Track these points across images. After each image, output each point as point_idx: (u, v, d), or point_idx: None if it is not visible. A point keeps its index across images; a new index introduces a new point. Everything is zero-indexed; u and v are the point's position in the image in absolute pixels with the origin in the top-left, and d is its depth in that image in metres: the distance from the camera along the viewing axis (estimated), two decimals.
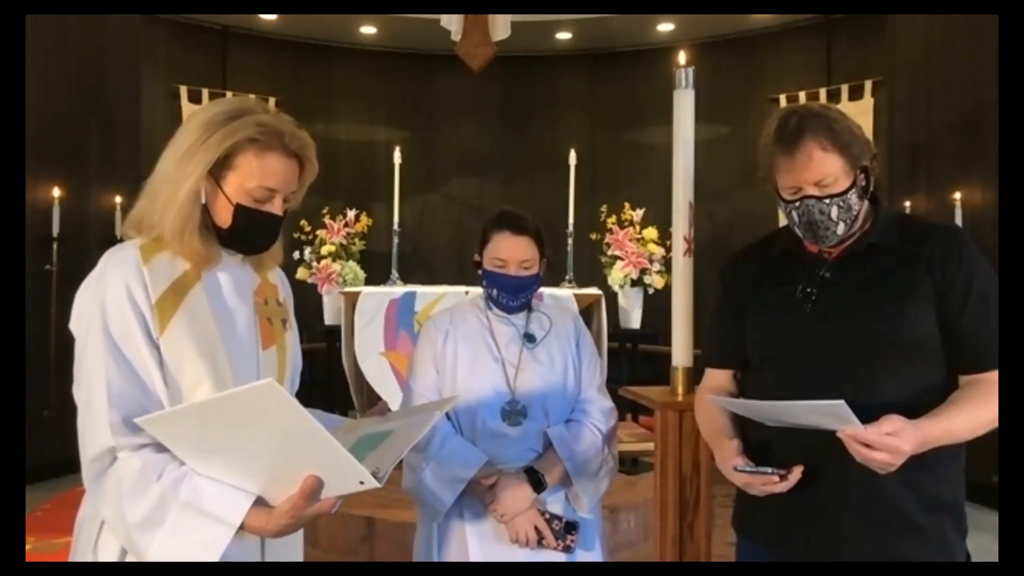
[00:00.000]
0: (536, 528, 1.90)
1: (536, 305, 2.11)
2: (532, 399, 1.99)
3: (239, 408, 1.13)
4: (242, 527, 1.24)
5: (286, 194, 1.42)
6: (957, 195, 5.06)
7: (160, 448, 1.26)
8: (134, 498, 1.24)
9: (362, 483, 1.16)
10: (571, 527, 1.92)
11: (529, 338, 2.04)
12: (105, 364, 1.28)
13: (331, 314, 5.98)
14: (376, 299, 4.40)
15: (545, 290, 2.10)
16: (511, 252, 1.98)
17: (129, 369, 1.29)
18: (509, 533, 1.90)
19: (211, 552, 1.23)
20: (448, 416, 2.00)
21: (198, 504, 1.23)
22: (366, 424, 1.49)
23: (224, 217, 1.39)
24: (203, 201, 1.38)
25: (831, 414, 1.36)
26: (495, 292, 2.02)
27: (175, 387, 1.32)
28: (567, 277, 5.37)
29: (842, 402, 1.33)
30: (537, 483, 1.92)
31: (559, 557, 1.92)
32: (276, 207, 1.41)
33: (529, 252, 1.99)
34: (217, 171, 1.37)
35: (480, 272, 2.05)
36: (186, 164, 1.36)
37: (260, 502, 1.25)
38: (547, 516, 1.92)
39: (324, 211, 6.47)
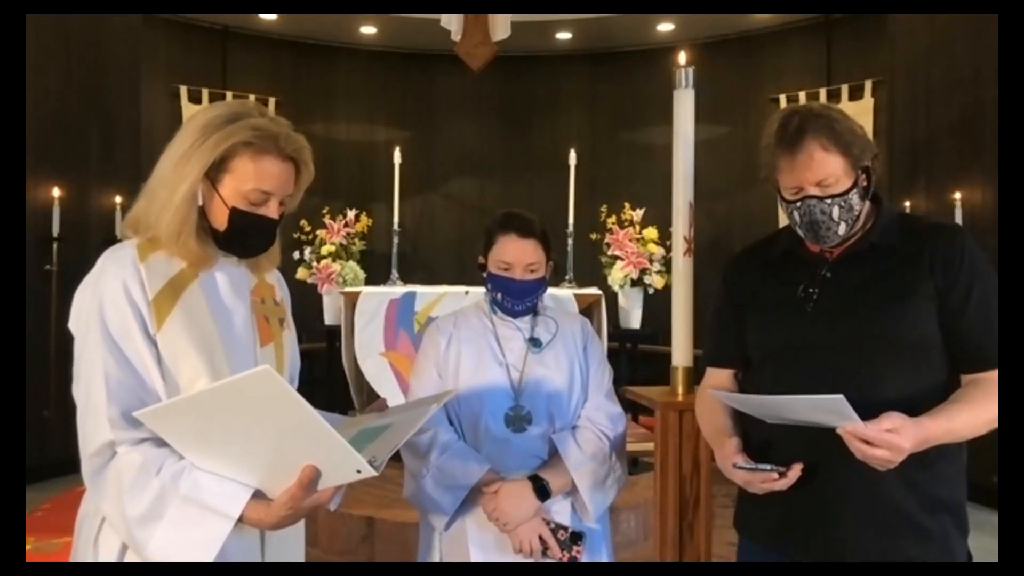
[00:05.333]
0: (540, 538, 1.84)
1: (542, 309, 2.05)
2: (537, 404, 1.94)
3: (236, 397, 1.14)
4: (241, 520, 1.25)
5: (282, 197, 1.43)
6: (957, 195, 5.06)
7: (160, 443, 1.27)
8: (134, 492, 1.25)
9: (359, 471, 1.17)
10: (577, 537, 1.86)
11: (534, 342, 1.98)
12: (104, 360, 1.29)
13: (331, 314, 5.97)
14: (376, 299, 4.40)
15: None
16: (517, 255, 1.92)
17: (127, 365, 1.30)
18: (512, 543, 1.85)
19: (211, 545, 1.24)
20: (451, 421, 1.96)
21: (197, 497, 1.24)
22: (364, 420, 1.49)
23: (220, 220, 1.40)
24: (200, 203, 1.38)
25: (830, 410, 1.36)
26: (500, 296, 1.96)
27: (172, 383, 1.33)
28: (567, 277, 5.37)
29: (841, 397, 1.33)
30: (541, 491, 1.86)
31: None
32: (272, 210, 1.42)
33: (535, 255, 1.94)
34: (213, 174, 1.38)
35: (484, 275, 2.00)
36: (183, 167, 1.37)
37: (259, 495, 1.26)
38: (552, 525, 1.86)
39: (324, 211, 6.47)
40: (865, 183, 1.54)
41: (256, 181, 1.38)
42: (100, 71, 5.66)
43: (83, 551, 1.36)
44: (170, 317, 1.34)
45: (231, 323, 1.42)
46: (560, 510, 1.92)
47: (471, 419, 1.95)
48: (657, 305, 5.77)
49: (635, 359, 6.26)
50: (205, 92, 7.05)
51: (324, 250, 6.22)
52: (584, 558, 1.88)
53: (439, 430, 1.92)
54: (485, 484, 1.87)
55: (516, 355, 1.98)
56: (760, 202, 6.80)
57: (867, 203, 1.57)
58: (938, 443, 1.42)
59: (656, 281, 5.99)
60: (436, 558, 1.95)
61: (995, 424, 1.45)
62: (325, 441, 1.15)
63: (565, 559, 1.85)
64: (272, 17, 7.10)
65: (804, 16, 6.88)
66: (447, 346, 2.00)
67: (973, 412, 1.43)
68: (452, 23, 5.49)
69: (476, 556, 1.89)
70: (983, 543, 1.91)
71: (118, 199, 5.67)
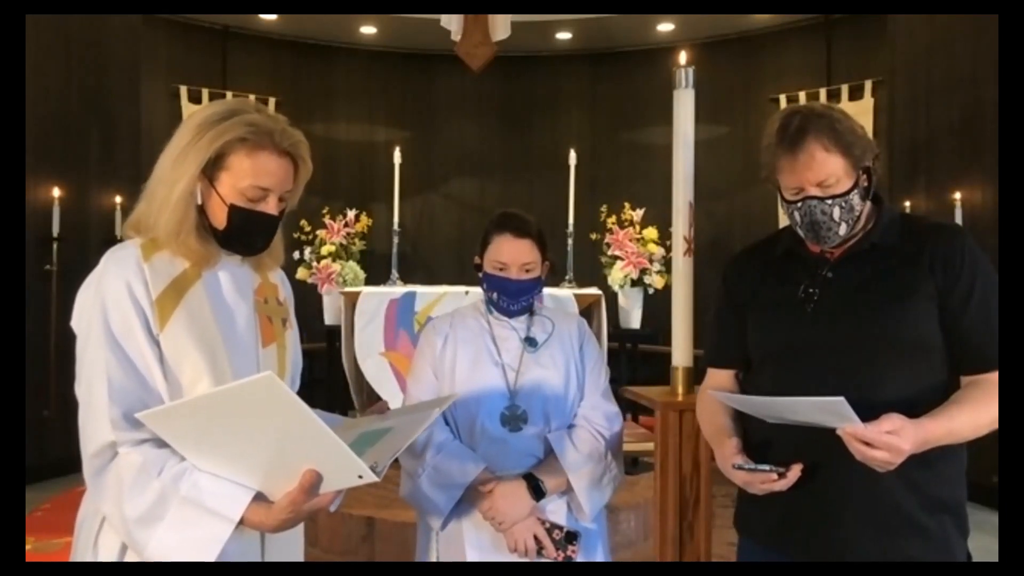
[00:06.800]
0: (536, 537, 1.85)
1: (538, 308, 2.05)
2: (533, 404, 1.94)
3: (238, 402, 1.14)
4: (242, 522, 1.25)
5: (281, 193, 1.43)
6: (957, 195, 5.06)
7: (161, 444, 1.27)
8: (134, 493, 1.25)
9: (360, 477, 1.17)
10: (572, 537, 1.86)
11: (530, 342, 1.99)
12: (106, 360, 1.29)
13: (331, 314, 5.97)
14: (376, 299, 4.40)
15: (545, 291, 2.06)
16: (512, 255, 1.93)
17: (130, 365, 1.30)
18: (507, 542, 1.85)
19: (211, 547, 1.24)
20: (447, 421, 1.96)
21: (198, 499, 1.24)
22: (365, 422, 1.49)
23: (219, 218, 1.40)
24: (199, 202, 1.39)
25: (831, 411, 1.36)
26: (496, 296, 1.97)
27: (175, 383, 1.33)
28: (567, 277, 5.37)
29: (842, 399, 1.33)
30: (536, 490, 1.87)
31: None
32: (271, 207, 1.41)
33: (531, 255, 1.94)
34: (210, 172, 1.38)
35: (480, 275, 2.00)
36: (179, 165, 1.37)
37: (260, 497, 1.26)
38: (547, 525, 1.86)
39: (324, 211, 6.47)
40: (866, 183, 1.54)
41: (253, 177, 1.38)
42: (100, 71, 5.66)
43: (83, 551, 1.36)
44: (173, 317, 1.34)
45: (234, 323, 1.42)
46: (556, 509, 1.92)
47: (467, 419, 1.95)
48: (657, 305, 5.77)
49: (635, 359, 6.26)
50: (205, 92, 7.05)
51: (324, 250, 6.22)
52: (580, 558, 1.88)
53: (435, 429, 1.92)
54: (481, 483, 1.87)
55: (512, 355, 1.98)
56: (760, 202, 6.80)
57: (868, 203, 1.57)
58: (938, 444, 1.42)
59: (656, 281, 5.99)
60: (433, 558, 1.96)
61: (996, 425, 1.44)
62: (327, 446, 1.15)
63: (560, 559, 1.85)
64: (272, 17, 7.10)
65: (804, 16, 6.88)
66: (443, 346, 2.00)
67: (974, 413, 1.43)
68: (452, 23, 5.48)
69: (472, 556, 1.89)
70: (983, 543, 1.92)
71: (118, 199, 5.67)
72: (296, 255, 6.20)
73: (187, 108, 6.90)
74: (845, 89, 6.63)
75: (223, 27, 7.27)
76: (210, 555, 1.24)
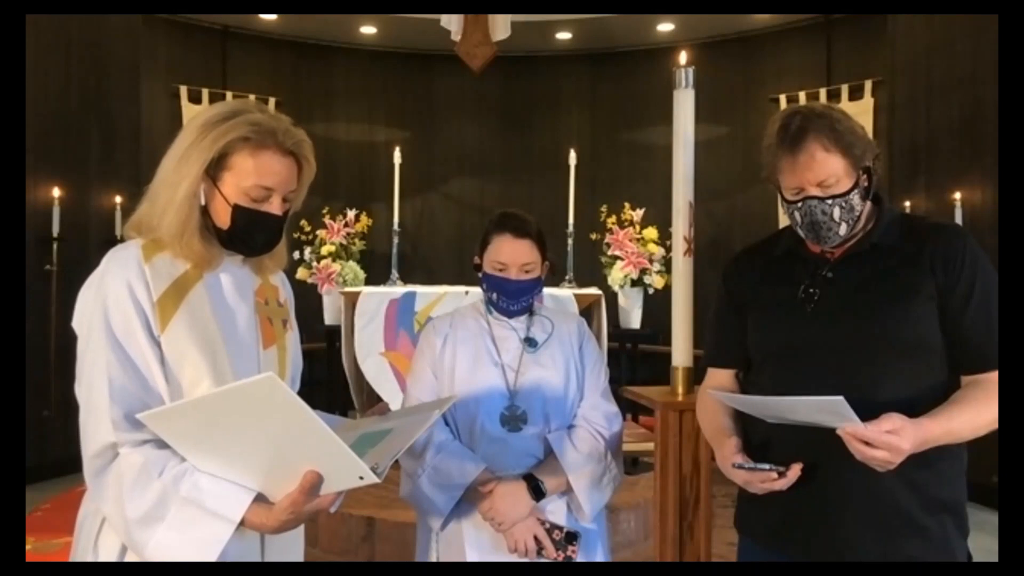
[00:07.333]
0: (536, 538, 1.85)
1: (538, 308, 2.06)
2: (532, 404, 1.94)
3: (239, 403, 1.14)
4: (242, 523, 1.25)
5: (284, 193, 1.42)
6: (957, 195, 5.06)
7: (162, 444, 1.27)
8: (135, 494, 1.25)
9: (361, 478, 1.17)
10: (572, 537, 1.87)
11: (530, 342, 1.99)
12: (107, 361, 1.29)
13: (331, 314, 5.97)
14: (376, 299, 4.40)
15: (545, 291, 2.05)
16: (512, 255, 1.93)
17: (131, 366, 1.30)
18: (507, 542, 1.86)
19: (211, 548, 1.24)
20: (446, 421, 1.96)
21: (199, 500, 1.24)
22: (366, 423, 1.50)
23: (223, 218, 1.40)
24: (202, 203, 1.38)
25: (830, 411, 1.36)
26: (495, 296, 1.97)
27: (176, 384, 1.33)
28: (567, 277, 5.37)
29: (841, 398, 1.33)
30: (536, 490, 1.87)
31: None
32: (275, 207, 1.41)
33: (530, 255, 1.94)
34: (214, 172, 1.38)
35: (480, 275, 2.01)
36: (183, 166, 1.37)
37: (261, 498, 1.26)
38: (547, 525, 1.86)
39: (324, 211, 6.47)
40: (866, 183, 1.54)
41: (256, 176, 1.38)
42: (100, 71, 5.66)
43: (83, 551, 1.36)
44: (174, 318, 1.34)
45: (234, 325, 1.42)
46: (555, 510, 1.92)
47: (467, 419, 1.95)
48: (657, 305, 5.77)
49: (635, 359, 6.26)
50: (205, 92, 7.05)
51: (324, 250, 6.22)
52: (580, 558, 1.88)
53: (435, 430, 1.93)
54: (480, 484, 1.87)
55: (512, 355, 1.98)
56: (760, 202, 6.80)
57: (868, 203, 1.58)
58: (938, 444, 1.42)
59: (656, 281, 5.98)
60: (433, 558, 1.96)
61: (995, 425, 1.45)
62: (328, 447, 1.15)
63: (560, 559, 1.85)
64: (272, 17, 7.09)
65: (804, 16, 6.87)
66: (443, 346, 2.01)
67: (973, 413, 1.44)
68: (452, 23, 5.48)
69: (472, 556, 1.89)
70: (983, 543, 1.92)
71: (118, 199, 5.67)
72: (296, 255, 6.20)
73: (187, 108, 6.90)
74: (845, 89, 6.63)
75: (223, 27, 7.26)
76: (210, 556, 1.24)
